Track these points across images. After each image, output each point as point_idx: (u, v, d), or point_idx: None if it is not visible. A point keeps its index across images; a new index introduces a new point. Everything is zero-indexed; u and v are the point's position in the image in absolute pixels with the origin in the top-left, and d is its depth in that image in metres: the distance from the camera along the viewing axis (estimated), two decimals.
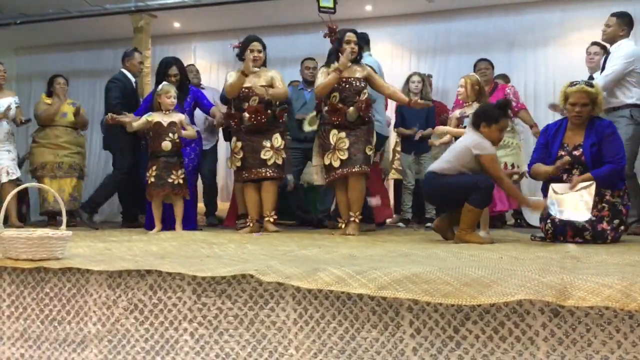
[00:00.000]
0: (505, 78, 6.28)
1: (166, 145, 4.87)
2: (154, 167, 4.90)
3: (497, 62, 6.64)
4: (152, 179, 4.89)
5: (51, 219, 6.29)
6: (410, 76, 6.13)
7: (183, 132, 4.95)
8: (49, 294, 2.51)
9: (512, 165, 5.60)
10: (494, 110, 4.00)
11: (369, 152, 4.67)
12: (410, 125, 5.91)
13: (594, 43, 5.61)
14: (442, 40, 7.28)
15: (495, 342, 1.93)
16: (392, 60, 7.28)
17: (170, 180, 4.86)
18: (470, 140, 3.93)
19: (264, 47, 5.02)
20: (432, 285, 1.98)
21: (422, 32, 7.31)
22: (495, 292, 1.89)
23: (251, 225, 4.92)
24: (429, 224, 5.72)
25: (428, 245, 3.56)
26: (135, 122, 5.00)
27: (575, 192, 3.86)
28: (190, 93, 5.52)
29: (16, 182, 5.86)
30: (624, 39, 4.95)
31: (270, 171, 4.85)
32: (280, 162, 4.90)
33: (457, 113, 4.65)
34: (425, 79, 6.16)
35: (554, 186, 3.95)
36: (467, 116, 4.50)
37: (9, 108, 5.88)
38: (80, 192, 6.22)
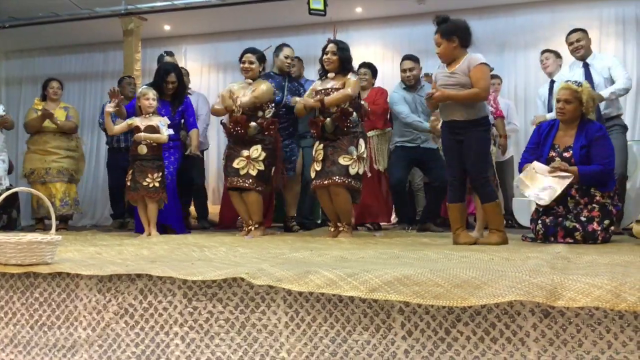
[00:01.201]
0: (495, 79, 6.28)
1: (141, 148, 4.86)
2: (130, 171, 4.92)
3: (489, 63, 6.67)
4: (129, 183, 4.90)
5: (39, 222, 6.26)
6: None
7: (148, 134, 4.87)
8: (38, 299, 2.50)
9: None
10: None
11: (345, 163, 4.49)
12: None
13: (546, 51, 5.89)
14: (433, 42, 7.28)
15: (486, 344, 1.93)
16: (383, 62, 7.28)
17: (145, 184, 4.84)
18: None
19: (261, 59, 5.00)
20: (423, 287, 1.98)
21: (413, 33, 7.31)
22: (486, 294, 1.89)
23: (246, 228, 4.90)
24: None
25: (419, 247, 3.56)
26: (118, 125, 5.04)
27: (550, 177, 3.92)
28: (183, 104, 5.48)
29: (5, 191, 5.84)
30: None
31: (242, 180, 4.75)
32: (254, 172, 4.73)
33: None
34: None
35: (535, 164, 4.04)
36: None
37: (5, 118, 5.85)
38: (72, 197, 6.17)
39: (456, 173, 3.91)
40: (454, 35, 3.91)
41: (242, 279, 2.20)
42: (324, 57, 4.68)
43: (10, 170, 6.86)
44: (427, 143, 5.51)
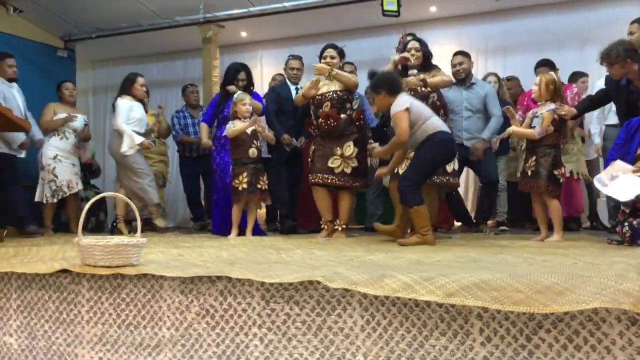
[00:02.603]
0: (580, 76, 6.03)
1: (253, 152, 5.01)
2: (244, 174, 4.98)
3: (569, 60, 6.42)
4: (244, 186, 4.97)
5: (127, 224, 6.52)
6: (485, 77, 6.00)
7: (268, 135, 5.21)
8: (125, 300, 2.61)
9: (571, 173, 5.40)
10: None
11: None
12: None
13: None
14: (510, 39, 7.10)
15: (569, 351, 1.87)
16: None
17: (259, 187, 5.00)
18: None
19: (341, 53, 5.11)
20: (502, 292, 1.94)
21: (490, 31, 7.16)
22: (568, 300, 1.83)
23: (325, 227, 4.91)
24: (503, 227, 5.60)
25: (498, 251, 3.48)
26: (231, 130, 5.11)
27: (633, 175, 3.75)
28: (254, 98, 5.68)
29: (77, 195, 6.15)
30: None
31: (337, 179, 4.79)
32: (349, 170, 4.79)
33: (530, 113, 4.55)
34: (501, 81, 5.99)
35: (617, 162, 3.90)
36: (537, 116, 4.40)
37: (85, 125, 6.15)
38: (162, 200, 6.43)
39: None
40: (380, 88, 4.28)
41: (319, 282, 2.22)
42: (407, 54, 4.71)
43: (97, 174, 7.21)
44: (470, 141, 5.37)
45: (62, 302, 2.73)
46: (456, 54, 5.64)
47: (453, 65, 5.54)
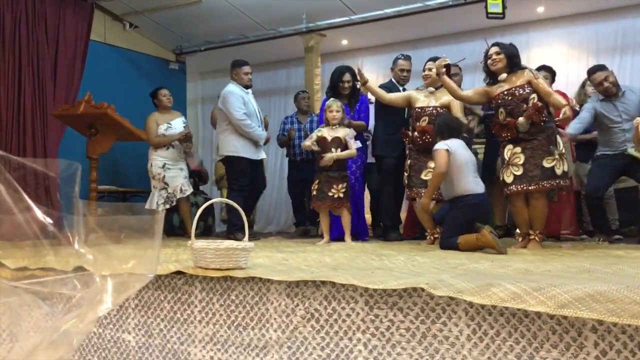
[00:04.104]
0: None
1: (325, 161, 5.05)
2: (317, 181, 5.15)
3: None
4: (315, 192, 5.14)
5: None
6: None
7: (335, 154, 5.07)
8: (234, 301, 2.71)
9: None
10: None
11: (549, 165, 4.31)
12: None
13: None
14: (624, 38, 6.72)
15: None
16: (568, 62, 6.87)
17: (330, 194, 5.06)
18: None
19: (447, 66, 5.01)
20: (619, 304, 1.84)
21: (601, 30, 6.80)
22: None
23: (431, 237, 4.93)
24: (617, 236, 5.30)
25: (612, 261, 3.30)
26: (308, 139, 5.32)
27: None
28: (360, 101, 5.82)
29: (188, 198, 6.38)
30: None
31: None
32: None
33: None
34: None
35: None
36: None
37: (186, 129, 6.35)
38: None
39: None
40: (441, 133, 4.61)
41: (422, 289, 2.21)
42: (487, 61, 4.57)
43: (205, 179, 7.52)
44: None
45: (176, 302, 2.88)
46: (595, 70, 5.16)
47: (599, 84, 5.08)
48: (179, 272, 2.87)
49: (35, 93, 6.08)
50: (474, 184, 4.42)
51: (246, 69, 6.03)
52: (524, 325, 2.03)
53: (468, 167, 4.43)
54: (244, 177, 5.84)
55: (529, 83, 4.44)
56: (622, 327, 1.86)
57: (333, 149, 5.07)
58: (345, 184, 5.12)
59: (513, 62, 4.52)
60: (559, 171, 4.31)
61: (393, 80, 5.91)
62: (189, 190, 6.30)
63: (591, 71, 5.18)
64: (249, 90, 6.02)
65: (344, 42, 8.02)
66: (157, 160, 6.18)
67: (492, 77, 4.62)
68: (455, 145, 4.46)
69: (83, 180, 5.77)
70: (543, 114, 4.35)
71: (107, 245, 1.31)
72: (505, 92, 4.47)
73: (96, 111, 5.22)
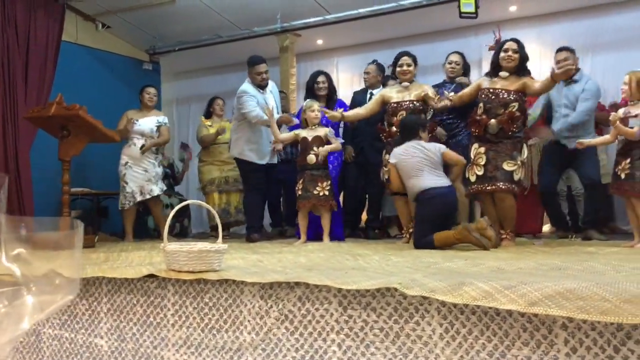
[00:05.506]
0: None
1: (311, 158, 5.08)
2: (301, 180, 5.16)
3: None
4: (300, 192, 5.15)
5: (214, 230, 6.70)
6: None
7: (326, 146, 5.15)
8: (208, 304, 2.69)
9: None
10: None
11: (510, 168, 4.39)
12: None
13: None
14: (595, 37, 6.81)
15: None
16: (540, 61, 6.94)
17: (315, 192, 5.06)
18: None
19: (414, 61, 5.16)
20: (589, 301, 1.86)
21: (573, 29, 6.88)
22: None
23: (407, 235, 4.99)
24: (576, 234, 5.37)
25: (584, 258, 3.35)
26: (285, 134, 5.39)
27: None
28: (337, 105, 5.84)
29: (159, 199, 6.24)
30: None
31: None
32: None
33: (620, 112, 4.34)
34: None
35: None
36: (634, 116, 4.20)
37: (162, 129, 6.25)
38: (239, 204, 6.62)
39: None
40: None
41: (395, 289, 2.22)
42: (503, 54, 4.54)
43: (178, 181, 7.42)
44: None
45: (149, 306, 2.85)
46: (560, 49, 5.31)
47: (557, 62, 5.14)
48: (151, 275, 2.84)
49: (6, 95, 5.96)
50: (430, 180, 4.47)
51: (258, 68, 5.84)
52: (495, 323, 2.04)
53: (419, 168, 4.52)
54: (255, 176, 5.81)
55: (522, 91, 4.48)
56: (592, 324, 1.88)
57: (315, 148, 5.09)
58: (329, 182, 5.18)
59: (523, 66, 4.56)
60: (516, 177, 4.40)
61: (365, 84, 6.14)
62: (155, 192, 6.04)
63: (558, 49, 5.34)
64: (266, 89, 5.87)
65: (319, 41, 8.01)
66: (122, 158, 6.11)
67: (495, 69, 4.62)
68: (401, 152, 4.63)
69: (55, 183, 5.62)
70: (516, 124, 4.40)
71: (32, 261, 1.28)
72: (492, 90, 4.52)
73: (68, 113, 5.12)
